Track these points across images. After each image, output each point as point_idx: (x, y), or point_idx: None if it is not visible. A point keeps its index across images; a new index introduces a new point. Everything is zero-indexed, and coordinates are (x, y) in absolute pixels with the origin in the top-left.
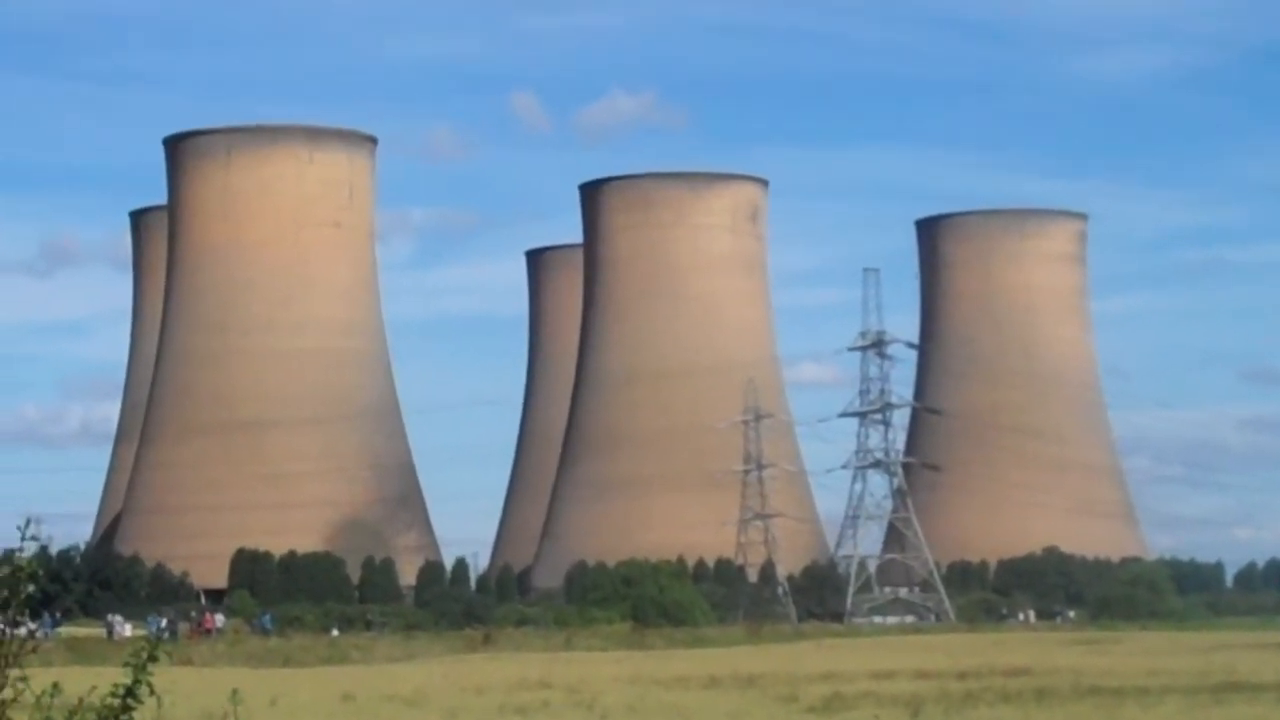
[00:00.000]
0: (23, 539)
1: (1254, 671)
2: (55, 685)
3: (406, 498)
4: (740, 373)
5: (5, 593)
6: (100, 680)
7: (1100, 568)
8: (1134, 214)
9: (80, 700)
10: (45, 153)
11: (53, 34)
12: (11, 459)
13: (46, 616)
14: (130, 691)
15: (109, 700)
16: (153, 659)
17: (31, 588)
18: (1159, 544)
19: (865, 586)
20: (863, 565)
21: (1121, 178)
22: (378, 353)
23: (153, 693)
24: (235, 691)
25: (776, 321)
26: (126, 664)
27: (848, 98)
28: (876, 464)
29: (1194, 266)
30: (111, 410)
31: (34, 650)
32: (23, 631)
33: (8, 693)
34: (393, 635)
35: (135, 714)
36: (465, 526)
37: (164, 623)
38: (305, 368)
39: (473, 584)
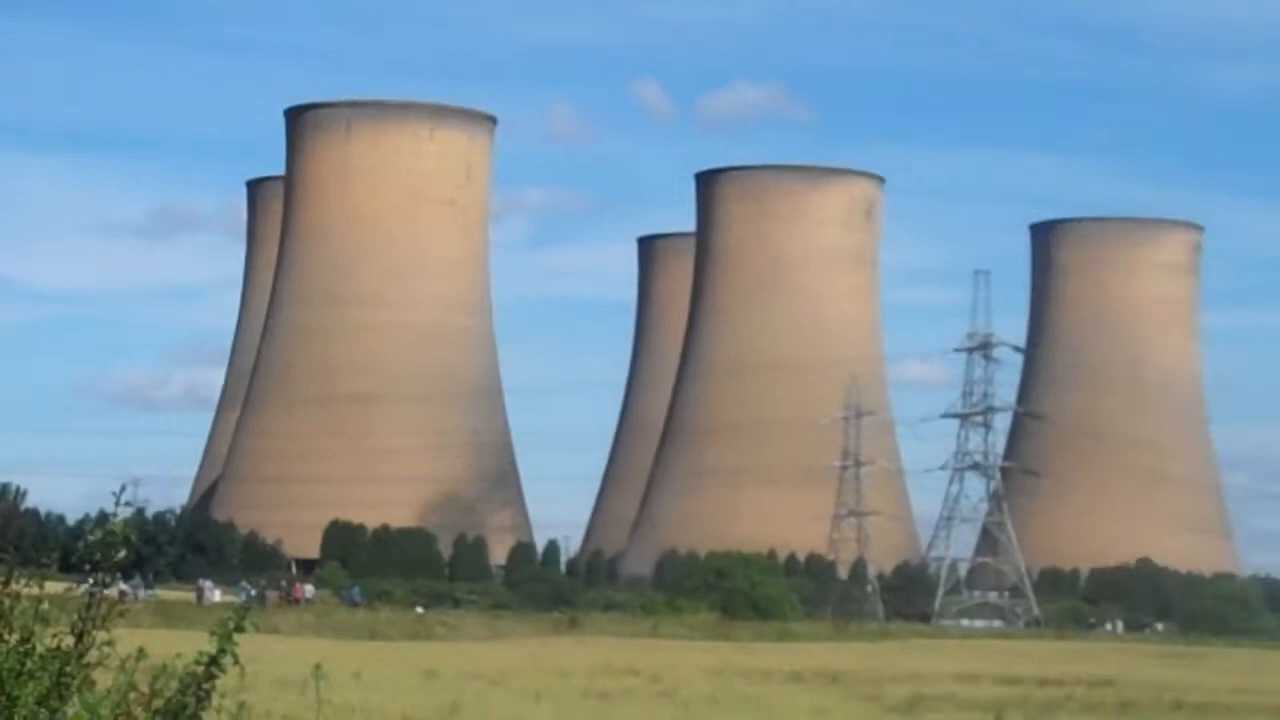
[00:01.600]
0: (117, 503)
1: None
2: (141, 650)
3: (503, 477)
4: (844, 369)
5: (97, 555)
6: (185, 645)
7: (1192, 581)
8: (1251, 227)
9: (164, 666)
10: (165, 119)
11: (178, 3)
12: (117, 421)
13: (139, 578)
14: (214, 660)
15: (192, 668)
16: (239, 629)
17: (123, 553)
18: (1255, 561)
19: (955, 589)
20: (954, 567)
21: (1240, 190)
22: (485, 332)
23: (237, 662)
24: (318, 666)
25: (884, 319)
26: (213, 633)
27: (968, 99)
28: (975, 466)
29: None
30: (216, 377)
31: (121, 614)
32: (113, 593)
33: (92, 655)
34: (479, 614)
35: (218, 681)
36: (559, 510)
37: (252, 591)
38: (412, 344)
39: (563, 567)
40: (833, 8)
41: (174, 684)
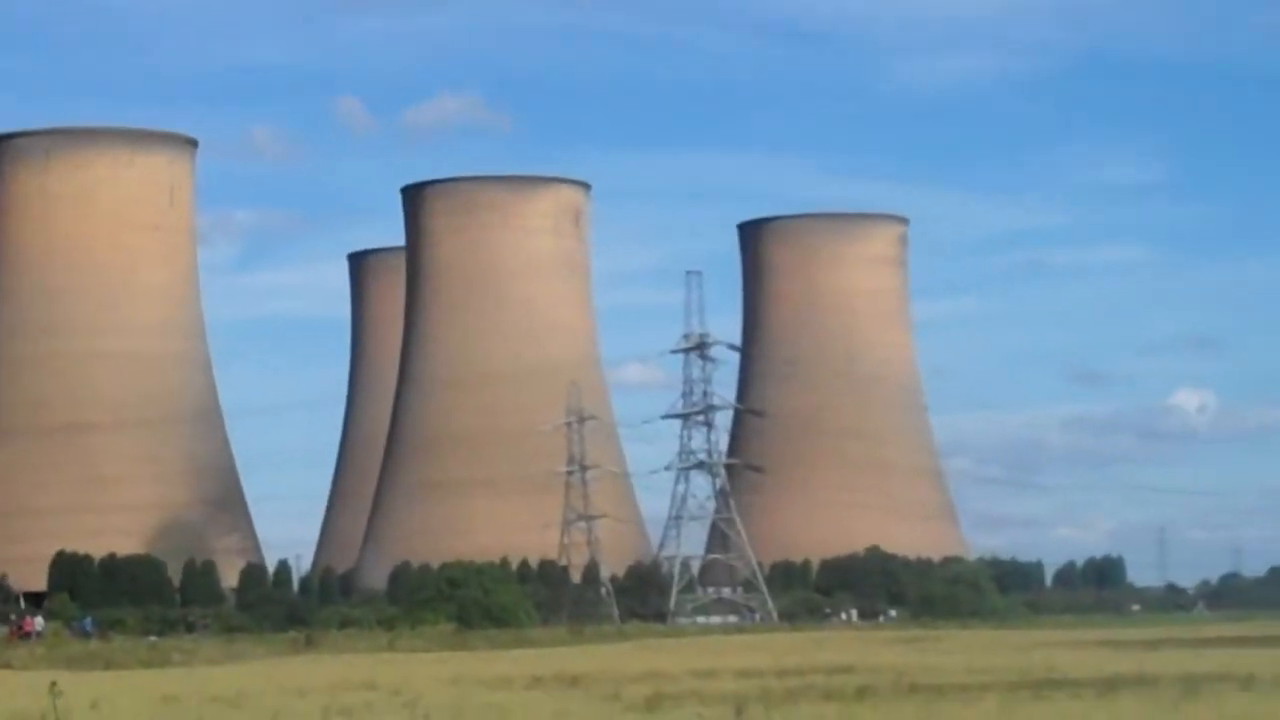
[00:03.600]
0: None
1: (1073, 668)
2: None
3: (228, 500)
4: (563, 375)
5: None
6: None
7: (922, 567)
8: (955, 218)
9: None
10: None
11: None
12: None
13: None
14: None
15: None
16: None
17: None
18: (980, 544)
19: (689, 587)
20: (686, 566)
21: (942, 182)
22: (199, 355)
23: None
24: (54, 684)
25: (600, 324)
26: None
27: (671, 101)
28: (699, 465)
29: (1014, 269)
30: None
31: None
32: None
33: None
34: (215, 638)
35: None
36: (288, 529)
37: None
38: (126, 370)
39: (295, 586)
40: (528, 17)
41: None
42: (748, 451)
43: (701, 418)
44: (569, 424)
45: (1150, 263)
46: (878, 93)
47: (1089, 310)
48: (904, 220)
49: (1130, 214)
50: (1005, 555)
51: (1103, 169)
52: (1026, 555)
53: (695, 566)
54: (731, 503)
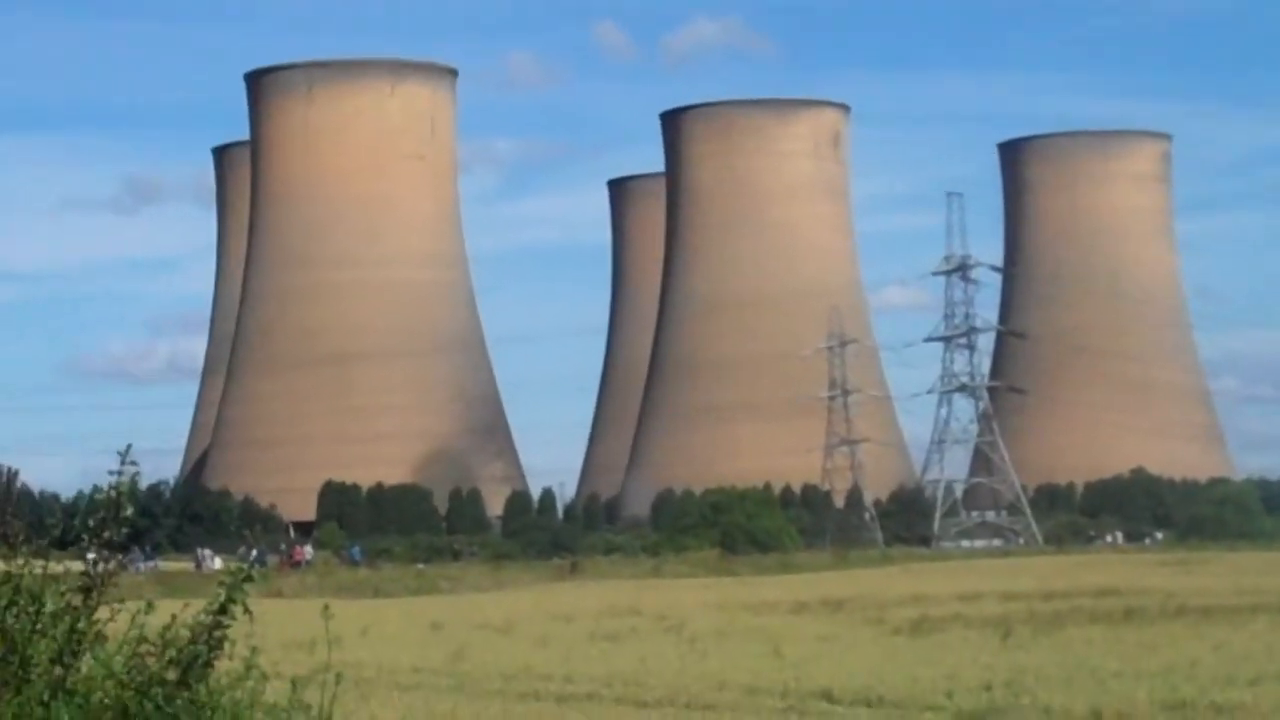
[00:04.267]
0: (123, 462)
1: None
2: (149, 603)
3: (492, 428)
4: (824, 299)
5: (103, 514)
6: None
7: (1188, 489)
8: (1218, 134)
9: (174, 617)
10: (128, 91)
11: None
12: (101, 395)
13: (137, 550)
14: (223, 609)
15: (202, 617)
16: (248, 579)
17: (130, 510)
18: (1247, 465)
19: (952, 511)
20: (949, 490)
21: (1204, 97)
22: (462, 285)
23: (246, 610)
24: (326, 606)
25: (860, 248)
26: (220, 583)
27: (928, 22)
28: (962, 388)
29: None
30: (198, 346)
31: (124, 568)
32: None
33: (102, 611)
34: (481, 565)
35: (230, 633)
36: (552, 457)
37: (254, 553)
38: (390, 301)
39: (560, 513)
40: None
41: (184, 634)
42: (1010, 374)
43: (963, 340)
44: (830, 348)
45: None
46: (1136, 7)
47: None
48: (1167, 136)
49: None
50: (1274, 476)
51: None
52: None
53: (959, 490)
54: (994, 426)
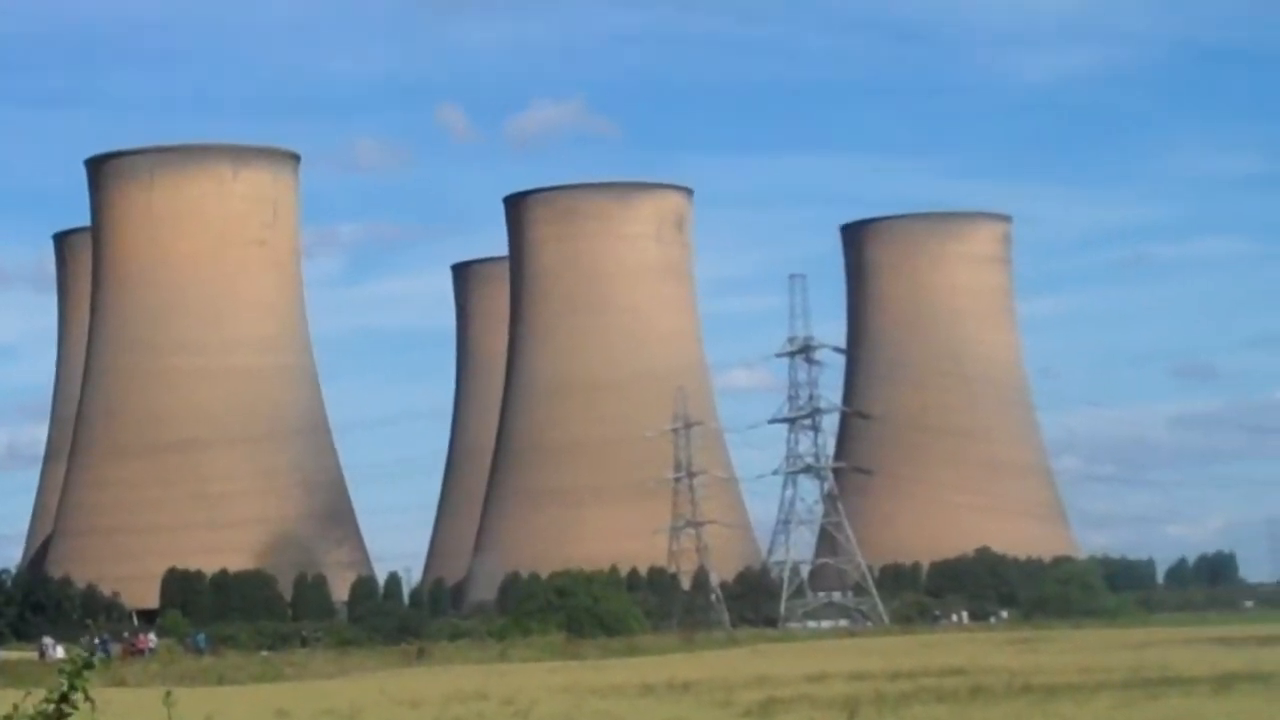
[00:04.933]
0: None
1: (1186, 666)
2: None
3: (337, 513)
4: (669, 381)
5: None
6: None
7: (1032, 567)
8: (1058, 215)
9: (15, 706)
10: None
11: None
12: None
13: None
14: (64, 697)
15: (43, 706)
16: (88, 666)
17: None
18: (1090, 543)
19: (799, 591)
20: (795, 570)
21: (1044, 179)
22: (306, 369)
23: (88, 699)
24: (169, 693)
25: (704, 329)
26: (61, 670)
27: (771, 104)
28: (807, 469)
29: (1119, 265)
30: (40, 432)
31: None
32: None
33: None
34: (326, 651)
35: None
36: (397, 541)
37: (97, 643)
38: (233, 386)
39: (406, 599)
40: (625, 22)
41: None
42: (855, 454)
43: (808, 421)
44: (675, 430)
45: (1256, 255)
46: (976, 90)
47: (1196, 305)
48: (1007, 218)
49: (1235, 206)
50: (1116, 553)
51: (1206, 161)
52: (1137, 553)
53: (805, 571)
54: (840, 506)
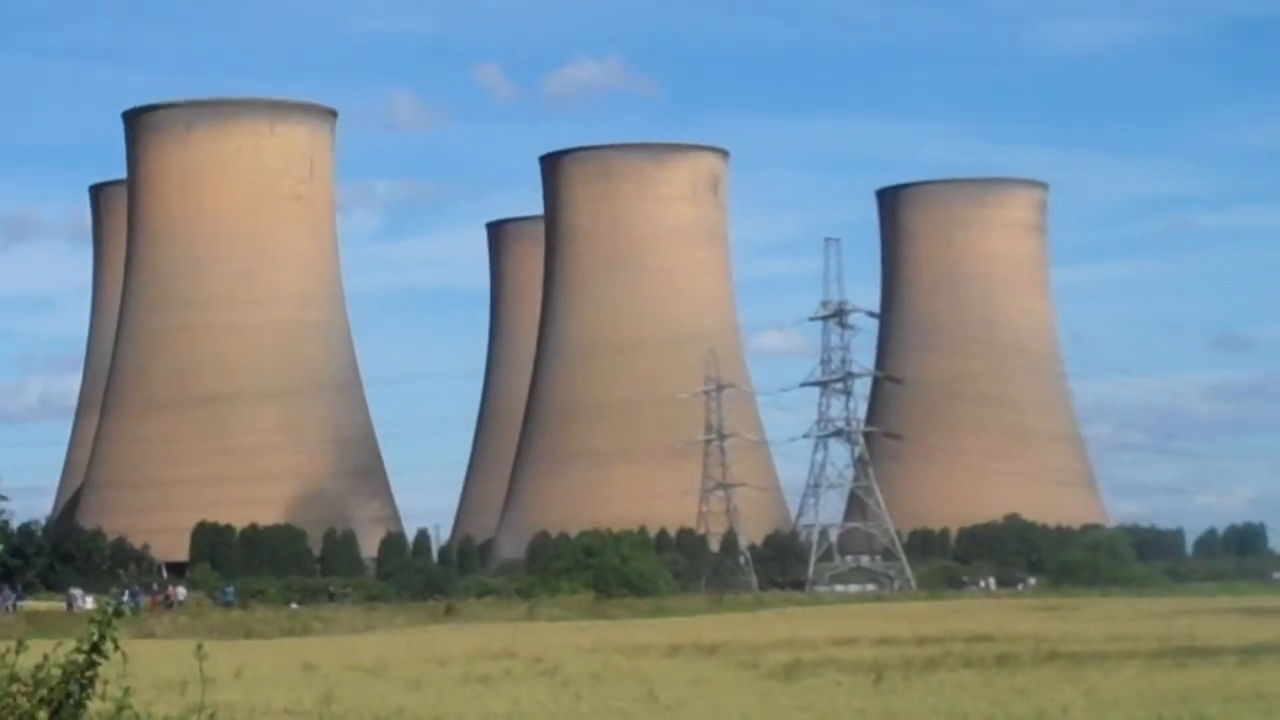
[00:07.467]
0: None
1: (1213, 636)
2: (20, 642)
3: (368, 470)
4: (701, 343)
5: None
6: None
7: (1061, 535)
8: (1095, 183)
9: (46, 656)
10: (4, 128)
11: (11, 10)
12: None
13: (8, 590)
14: (95, 647)
15: (74, 656)
16: (118, 614)
17: (1, 548)
18: (1120, 511)
19: (827, 555)
20: (824, 534)
21: (1082, 146)
22: (339, 326)
23: (117, 648)
24: (200, 646)
25: (737, 292)
26: (91, 620)
27: (809, 67)
28: (838, 433)
29: (1156, 234)
30: (73, 385)
31: None
32: None
33: None
34: (355, 607)
35: (101, 672)
36: (427, 498)
37: (126, 595)
38: (266, 341)
39: (435, 555)
40: None
41: (56, 674)
42: (886, 419)
43: (840, 385)
44: (707, 392)
45: None
46: (1017, 56)
47: (1232, 275)
48: (1044, 185)
49: (1274, 176)
50: (1145, 522)
51: (1246, 131)
52: (1167, 522)
53: (833, 535)
54: (870, 471)
